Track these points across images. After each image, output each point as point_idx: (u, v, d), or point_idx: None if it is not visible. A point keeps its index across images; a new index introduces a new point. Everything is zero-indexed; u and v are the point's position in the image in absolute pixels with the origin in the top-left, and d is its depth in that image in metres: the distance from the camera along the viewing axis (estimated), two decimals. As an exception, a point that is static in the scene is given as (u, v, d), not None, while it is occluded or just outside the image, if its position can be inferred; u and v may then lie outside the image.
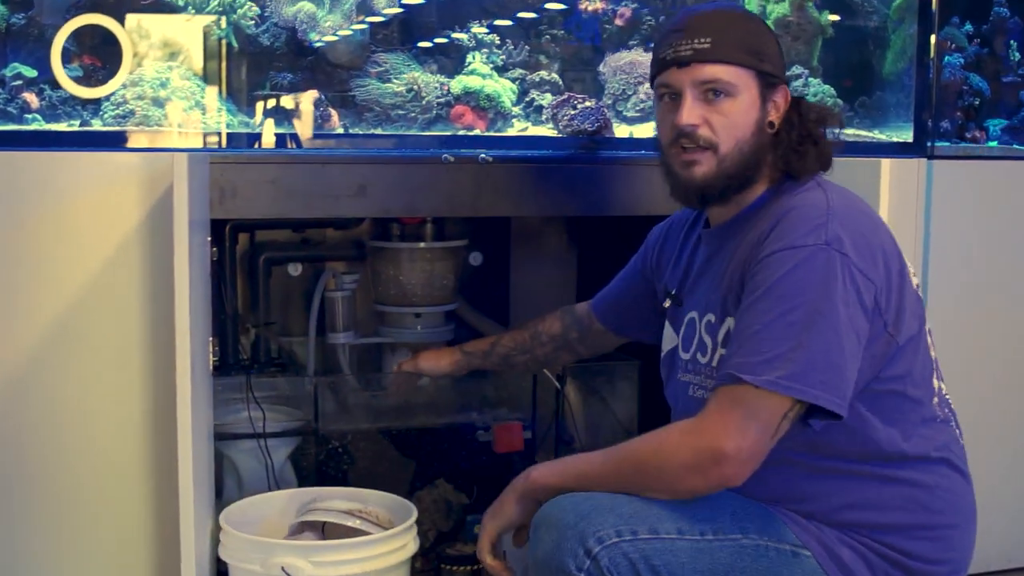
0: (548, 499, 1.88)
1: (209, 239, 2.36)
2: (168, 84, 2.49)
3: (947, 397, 2.00)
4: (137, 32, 2.51)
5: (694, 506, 1.82)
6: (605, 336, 2.45)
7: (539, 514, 1.85)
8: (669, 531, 1.79)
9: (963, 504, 1.96)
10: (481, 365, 2.56)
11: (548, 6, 2.87)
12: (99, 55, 2.49)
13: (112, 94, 2.46)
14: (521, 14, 2.85)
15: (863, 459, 1.88)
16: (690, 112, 1.93)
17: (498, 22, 2.81)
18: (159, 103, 2.48)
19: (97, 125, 2.45)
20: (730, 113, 1.93)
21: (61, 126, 2.45)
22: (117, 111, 2.45)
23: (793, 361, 1.73)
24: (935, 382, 1.96)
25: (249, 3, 2.56)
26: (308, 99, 2.62)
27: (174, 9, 2.53)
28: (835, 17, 3.10)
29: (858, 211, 1.90)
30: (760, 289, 1.79)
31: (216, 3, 2.53)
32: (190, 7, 2.53)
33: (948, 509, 1.92)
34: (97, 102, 2.46)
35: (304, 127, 2.62)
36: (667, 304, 2.14)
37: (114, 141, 2.43)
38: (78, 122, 2.45)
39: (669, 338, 2.12)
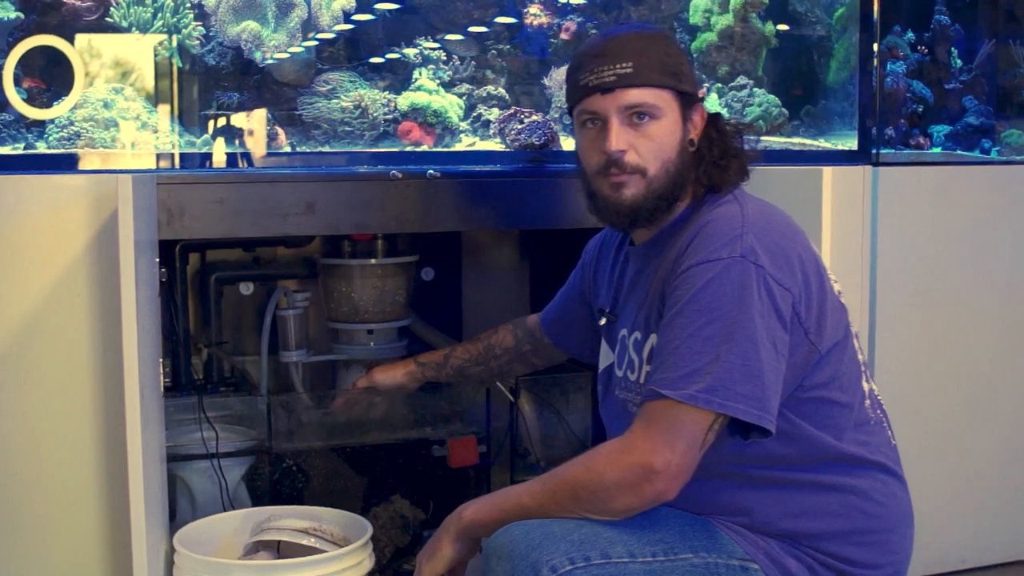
0: (485, 535, 1.88)
1: (158, 260, 2.35)
2: (113, 105, 2.48)
3: (879, 398, 2.02)
4: (86, 53, 2.50)
5: (643, 528, 1.83)
6: (554, 350, 2.46)
7: (490, 544, 1.84)
8: (621, 555, 1.79)
9: (899, 507, 1.97)
10: (435, 377, 2.56)
11: (498, 20, 2.89)
12: (42, 77, 2.48)
13: (57, 117, 2.45)
14: (470, 29, 2.86)
15: (799, 466, 1.89)
16: (618, 138, 1.93)
17: (446, 37, 2.81)
18: (105, 124, 2.47)
19: (42, 148, 2.43)
20: (656, 136, 1.94)
21: (6, 149, 2.43)
22: (62, 133, 2.43)
23: (711, 374, 1.74)
24: (864, 384, 1.98)
25: (194, 23, 2.56)
26: (255, 118, 2.62)
27: (118, 29, 2.52)
28: (782, 26, 3.13)
29: (774, 222, 1.90)
30: (678, 304, 1.81)
31: (160, 23, 2.53)
32: (134, 27, 2.52)
33: (885, 513, 1.94)
34: (42, 124, 2.45)
35: (251, 146, 2.62)
36: (603, 322, 2.15)
37: (60, 163, 2.42)
38: (23, 145, 2.44)
39: (605, 355, 2.13)
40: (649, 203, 1.95)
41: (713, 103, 2.95)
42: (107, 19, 2.51)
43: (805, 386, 1.87)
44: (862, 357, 2.00)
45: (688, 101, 1.97)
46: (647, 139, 1.93)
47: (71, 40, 2.50)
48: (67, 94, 2.48)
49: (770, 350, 1.77)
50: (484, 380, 2.69)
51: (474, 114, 2.79)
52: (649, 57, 1.94)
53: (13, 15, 2.49)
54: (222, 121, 2.63)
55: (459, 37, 2.84)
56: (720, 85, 3.00)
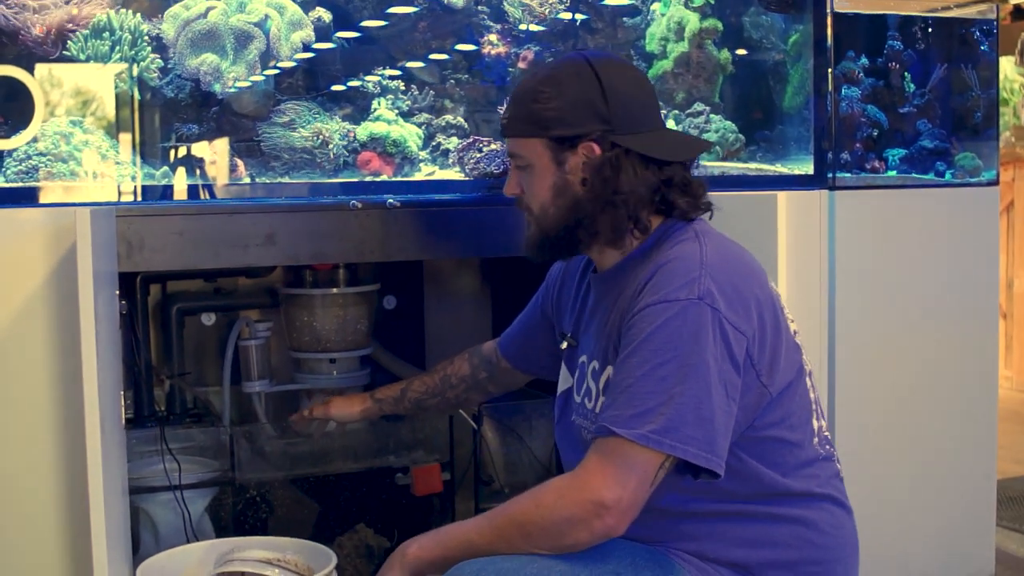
0: (432, 572, 1.89)
1: (118, 292, 2.35)
2: (72, 138, 2.48)
3: (826, 435, 2.04)
4: (46, 83, 2.50)
5: (595, 560, 1.84)
6: (513, 374, 2.46)
7: None
8: None
9: (847, 537, 2.00)
10: (393, 410, 2.56)
11: (456, 48, 2.90)
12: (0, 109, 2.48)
13: (14, 150, 2.44)
14: (429, 58, 2.87)
15: (748, 499, 1.91)
16: (509, 183, 2.07)
17: (409, 64, 2.83)
18: (63, 157, 2.46)
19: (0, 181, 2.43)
20: (530, 182, 2.03)
21: (-39, 184, 2.43)
22: (20, 167, 2.43)
23: (664, 415, 1.76)
24: (814, 422, 2.00)
25: (151, 56, 2.56)
26: (214, 149, 2.62)
27: (74, 60, 2.52)
28: (740, 51, 3.16)
29: (732, 263, 1.92)
30: (634, 343, 1.83)
31: (118, 56, 2.53)
32: (92, 60, 2.52)
33: (833, 544, 1.96)
34: (-1, 158, 2.45)
35: (211, 177, 2.62)
36: (564, 345, 2.16)
37: (18, 197, 2.41)
38: (-21, 180, 2.44)
39: (565, 378, 2.15)
40: (540, 241, 2.04)
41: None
42: (65, 52, 2.50)
43: (756, 426, 1.89)
44: (814, 395, 2.02)
45: (568, 144, 1.98)
46: (527, 184, 2.04)
47: (30, 72, 2.49)
48: (25, 127, 2.47)
49: (722, 393, 1.79)
50: (442, 411, 2.70)
51: (433, 143, 2.80)
52: (519, 107, 2.02)
53: (-31, 49, 2.48)
54: (182, 152, 2.63)
55: (419, 65, 2.85)
56: (677, 112, 3.03)
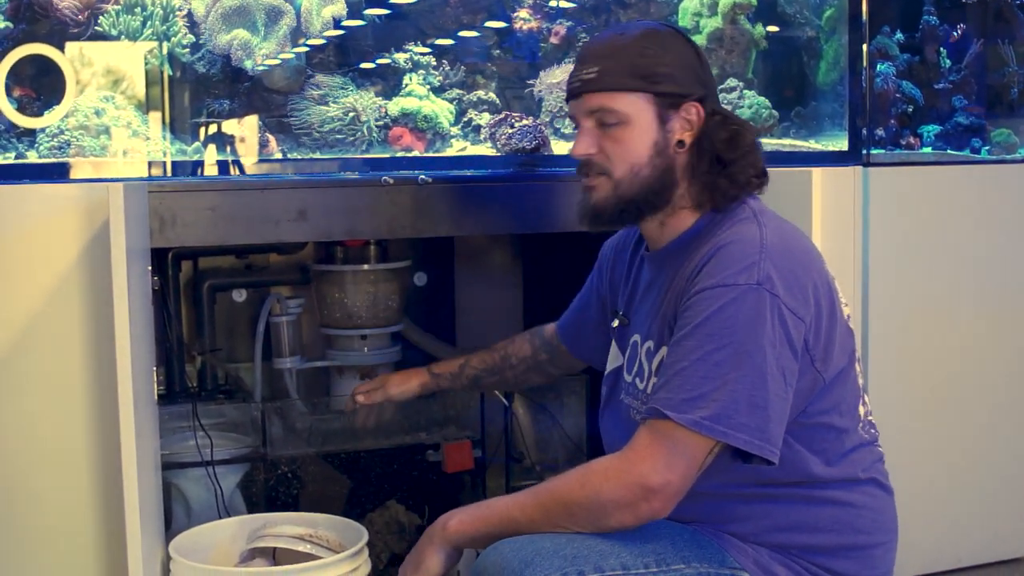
0: (471, 547, 1.88)
1: (150, 268, 2.35)
2: (104, 114, 2.48)
3: (871, 419, 2.02)
4: (76, 61, 2.50)
5: (635, 539, 1.82)
6: (571, 358, 2.43)
7: (481, 562, 1.84)
8: (614, 567, 1.78)
9: (887, 521, 1.98)
10: (450, 386, 2.53)
11: (487, 24, 2.89)
12: (32, 86, 2.48)
13: (47, 126, 2.45)
14: (460, 33, 2.86)
15: (792, 484, 1.89)
16: (581, 142, 1.95)
17: (437, 41, 2.82)
18: (96, 133, 2.47)
19: (33, 157, 2.43)
20: (622, 139, 1.92)
21: (-5, 159, 2.44)
22: (53, 142, 2.43)
23: (717, 401, 1.74)
24: (861, 408, 1.98)
25: (183, 31, 2.56)
26: (246, 125, 2.62)
27: (106, 37, 2.52)
28: (772, 28, 3.13)
29: (792, 247, 1.89)
30: (689, 325, 1.80)
31: (149, 32, 2.53)
32: (123, 36, 2.52)
33: (874, 528, 1.95)
34: (32, 134, 2.45)
35: (243, 153, 2.62)
36: (615, 324, 2.13)
37: (51, 173, 2.42)
38: (13, 155, 2.44)
39: (614, 357, 2.12)
40: (613, 205, 1.95)
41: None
42: (96, 28, 2.51)
43: (809, 412, 1.87)
44: (861, 381, 2.00)
45: (671, 102, 1.94)
46: (614, 143, 1.93)
47: (61, 49, 2.50)
48: (58, 103, 2.48)
49: (779, 380, 1.77)
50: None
51: (464, 119, 2.79)
52: (618, 61, 1.93)
53: (2, 25, 2.48)
54: (213, 128, 2.63)
55: (449, 42, 2.84)
56: (710, 87, 3.01)
